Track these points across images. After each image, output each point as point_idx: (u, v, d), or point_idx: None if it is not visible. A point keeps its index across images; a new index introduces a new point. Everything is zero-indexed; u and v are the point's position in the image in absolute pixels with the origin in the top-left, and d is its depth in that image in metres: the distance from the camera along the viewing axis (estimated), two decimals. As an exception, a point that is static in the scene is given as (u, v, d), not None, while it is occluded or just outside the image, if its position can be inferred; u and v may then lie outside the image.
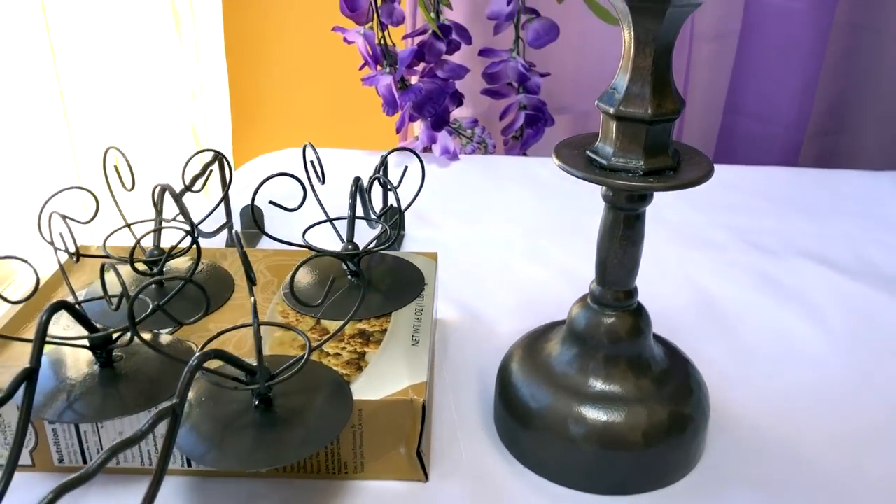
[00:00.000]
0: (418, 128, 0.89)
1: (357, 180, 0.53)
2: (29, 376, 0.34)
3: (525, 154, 0.94)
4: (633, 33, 0.37)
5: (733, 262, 0.67)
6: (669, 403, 0.43)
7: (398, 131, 0.85)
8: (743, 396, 0.50)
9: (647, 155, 0.39)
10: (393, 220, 0.56)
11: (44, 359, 0.36)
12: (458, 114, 0.94)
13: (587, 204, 0.62)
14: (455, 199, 0.78)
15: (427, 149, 0.87)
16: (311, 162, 0.52)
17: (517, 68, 0.87)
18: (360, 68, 0.86)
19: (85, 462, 0.43)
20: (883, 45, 0.95)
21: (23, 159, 0.79)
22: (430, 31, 0.83)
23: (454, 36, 0.84)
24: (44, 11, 0.81)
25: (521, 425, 0.44)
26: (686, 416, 0.44)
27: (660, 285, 0.63)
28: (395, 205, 0.53)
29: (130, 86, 1.00)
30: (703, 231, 0.72)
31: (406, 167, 0.58)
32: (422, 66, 0.85)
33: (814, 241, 0.70)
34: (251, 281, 0.39)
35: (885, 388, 0.51)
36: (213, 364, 0.38)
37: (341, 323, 0.42)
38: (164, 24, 1.13)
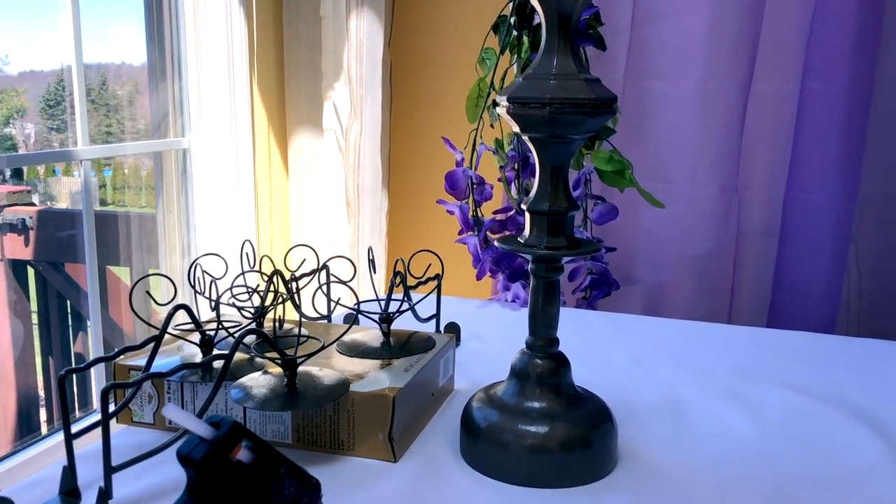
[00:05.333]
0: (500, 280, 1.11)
1: (396, 273, 0.76)
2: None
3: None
4: (537, 157, 0.59)
5: (714, 383, 0.79)
6: (579, 426, 0.59)
7: (478, 278, 1.08)
8: (659, 451, 0.64)
9: (548, 238, 0.59)
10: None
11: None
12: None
13: (612, 342, 0.90)
14: (513, 329, 0.98)
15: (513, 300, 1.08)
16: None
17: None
18: (459, 233, 1.11)
19: (184, 424, 0.65)
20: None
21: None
22: (514, 210, 1.08)
23: (532, 211, 1.07)
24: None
25: (471, 438, 0.62)
26: (591, 437, 0.59)
27: (640, 389, 0.78)
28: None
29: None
30: (704, 364, 0.86)
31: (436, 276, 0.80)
32: (506, 233, 1.08)
33: (798, 379, 0.81)
34: (297, 306, 0.62)
35: (788, 471, 0.62)
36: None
37: (374, 360, 0.64)
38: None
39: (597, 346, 0.93)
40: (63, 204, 2.21)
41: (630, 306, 1.22)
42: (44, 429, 1.93)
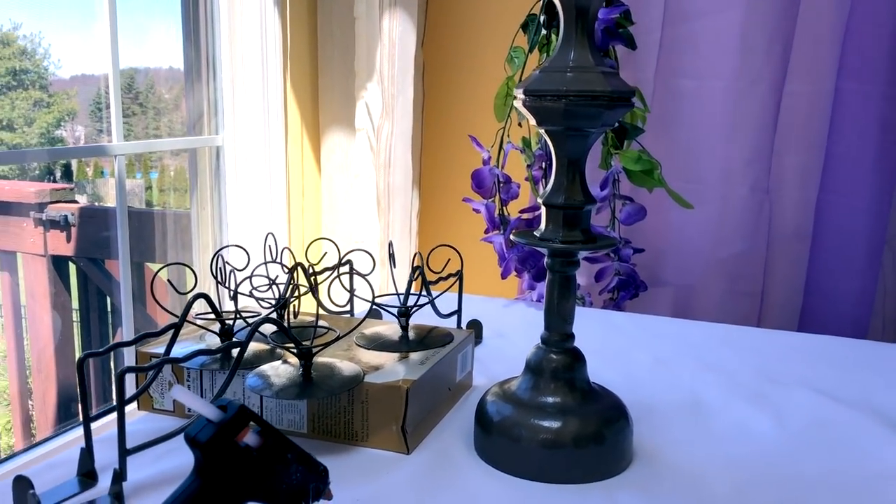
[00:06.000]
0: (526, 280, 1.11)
1: (418, 268, 0.76)
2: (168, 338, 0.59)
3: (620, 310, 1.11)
4: (553, 150, 0.58)
5: (738, 385, 0.78)
6: (593, 421, 0.59)
7: (503, 277, 1.07)
8: (676, 450, 0.63)
9: (564, 231, 0.58)
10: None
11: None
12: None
13: (637, 343, 0.91)
14: (537, 328, 0.97)
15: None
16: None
17: (610, 240, 1.08)
18: (486, 231, 1.11)
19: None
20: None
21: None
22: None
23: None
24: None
25: (485, 431, 0.61)
26: (605, 433, 0.58)
27: (661, 389, 0.77)
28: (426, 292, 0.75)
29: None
30: (729, 366, 0.84)
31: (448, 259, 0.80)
32: (532, 232, 1.08)
33: (825, 383, 0.79)
34: (316, 298, 0.63)
35: (808, 474, 0.60)
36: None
37: (392, 353, 0.64)
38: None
39: (621, 346, 0.92)
40: (111, 204, 2.25)
41: (659, 308, 1.21)
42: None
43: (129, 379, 0.76)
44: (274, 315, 0.68)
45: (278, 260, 0.74)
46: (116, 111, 1.16)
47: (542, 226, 0.60)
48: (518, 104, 0.58)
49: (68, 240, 2.11)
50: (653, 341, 0.94)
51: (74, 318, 2.20)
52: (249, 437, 0.45)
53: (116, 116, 1.16)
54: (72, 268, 2.14)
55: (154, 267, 2.03)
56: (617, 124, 1.08)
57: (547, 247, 0.59)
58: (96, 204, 2.24)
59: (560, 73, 0.55)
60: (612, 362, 0.84)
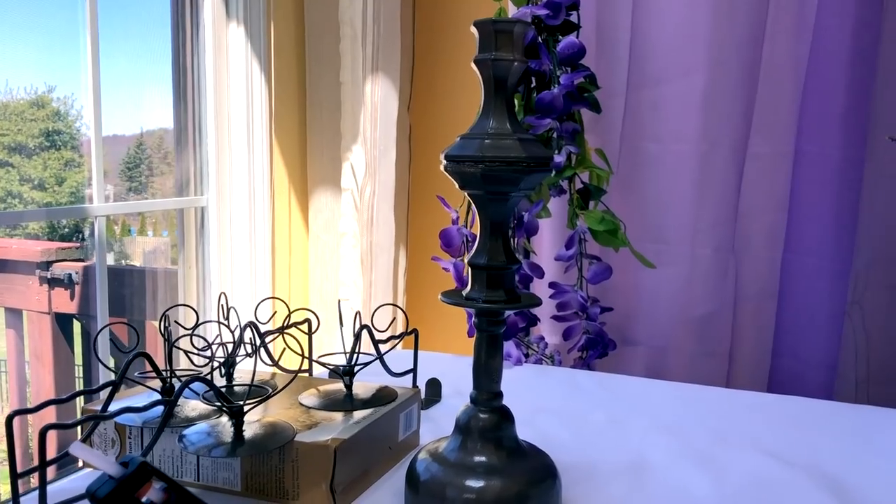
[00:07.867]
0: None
1: (364, 326, 0.77)
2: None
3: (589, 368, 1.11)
4: (477, 212, 0.60)
5: (686, 445, 0.78)
6: (518, 481, 0.59)
7: (470, 335, 1.08)
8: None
9: (487, 291, 0.60)
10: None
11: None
12: (536, 331, 1.15)
13: (595, 402, 0.91)
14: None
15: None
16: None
17: (577, 299, 1.08)
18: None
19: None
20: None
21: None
22: (510, 266, 1.09)
23: (526, 271, 1.08)
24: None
25: (413, 491, 0.62)
26: (530, 493, 0.59)
27: (609, 448, 0.77)
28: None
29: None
30: (683, 426, 0.84)
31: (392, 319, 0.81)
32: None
33: (776, 444, 0.79)
34: (271, 357, 0.64)
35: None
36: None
37: (335, 412, 0.65)
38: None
39: (579, 405, 0.92)
40: (137, 262, 2.31)
41: (632, 368, 1.21)
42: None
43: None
44: (215, 373, 0.69)
45: (223, 320, 0.76)
46: (98, 173, 1.20)
47: (469, 286, 0.61)
48: (442, 168, 0.60)
49: (72, 297, 2.15)
50: (613, 401, 0.94)
51: (77, 374, 2.23)
52: (153, 494, 0.46)
53: (98, 179, 1.20)
54: (75, 325, 2.18)
55: (155, 324, 2.06)
56: (582, 185, 1.10)
57: (471, 306, 0.60)
58: (124, 262, 2.29)
59: (478, 140, 0.58)
60: (567, 421, 0.84)
